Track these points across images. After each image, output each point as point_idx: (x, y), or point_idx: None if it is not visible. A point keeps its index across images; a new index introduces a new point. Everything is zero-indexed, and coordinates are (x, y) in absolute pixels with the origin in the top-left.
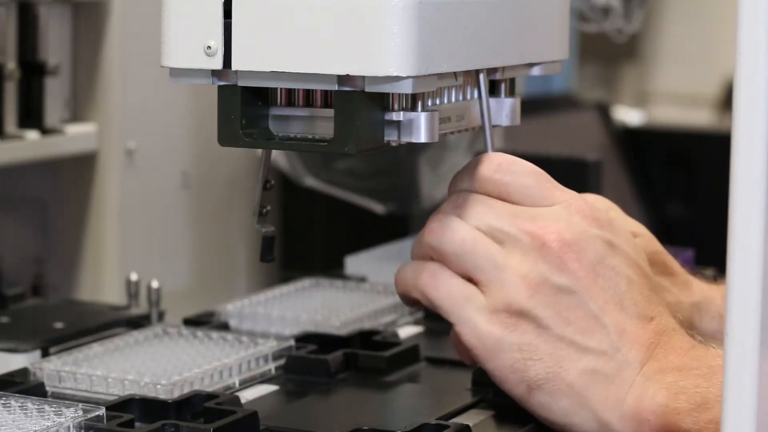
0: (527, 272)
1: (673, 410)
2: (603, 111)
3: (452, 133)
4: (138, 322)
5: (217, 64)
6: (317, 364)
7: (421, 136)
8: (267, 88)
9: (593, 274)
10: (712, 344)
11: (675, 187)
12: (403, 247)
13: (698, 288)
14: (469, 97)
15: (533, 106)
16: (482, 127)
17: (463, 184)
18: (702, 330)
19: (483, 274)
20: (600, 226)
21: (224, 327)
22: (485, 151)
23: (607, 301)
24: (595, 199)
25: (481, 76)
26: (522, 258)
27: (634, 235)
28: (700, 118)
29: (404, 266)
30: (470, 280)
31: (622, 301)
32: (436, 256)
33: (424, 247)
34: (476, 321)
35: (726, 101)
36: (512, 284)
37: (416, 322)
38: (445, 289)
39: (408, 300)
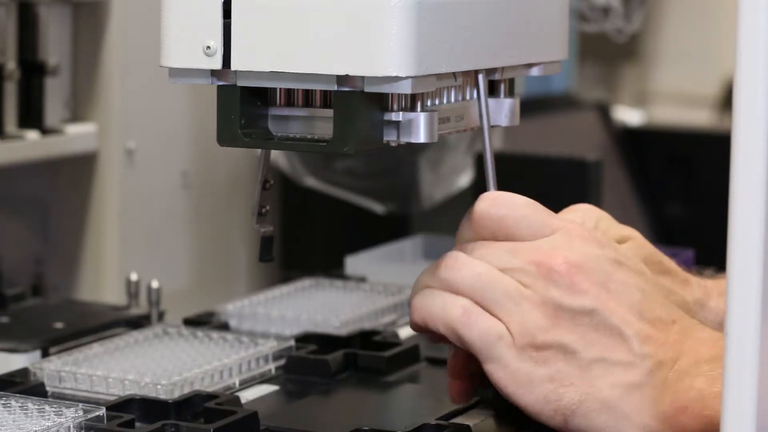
0: (542, 301)
1: (710, 394)
2: (603, 111)
3: (452, 133)
4: (138, 322)
5: (217, 64)
6: (317, 364)
7: (421, 137)
8: (266, 88)
9: (605, 290)
10: None
11: (675, 187)
12: (403, 247)
13: (696, 284)
14: (468, 97)
15: (533, 106)
16: (481, 128)
17: (465, 234)
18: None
19: (502, 309)
20: (602, 246)
21: (224, 327)
22: (485, 151)
23: (625, 314)
24: (586, 209)
25: (480, 77)
26: (534, 288)
27: (626, 239)
28: (700, 118)
29: (425, 295)
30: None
31: (640, 311)
32: (451, 292)
33: (439, 281)
34: (507, 359)
35: (726, 101)
36: (531, 317)
37: None
38: (478, 328)
39: (424, 329)
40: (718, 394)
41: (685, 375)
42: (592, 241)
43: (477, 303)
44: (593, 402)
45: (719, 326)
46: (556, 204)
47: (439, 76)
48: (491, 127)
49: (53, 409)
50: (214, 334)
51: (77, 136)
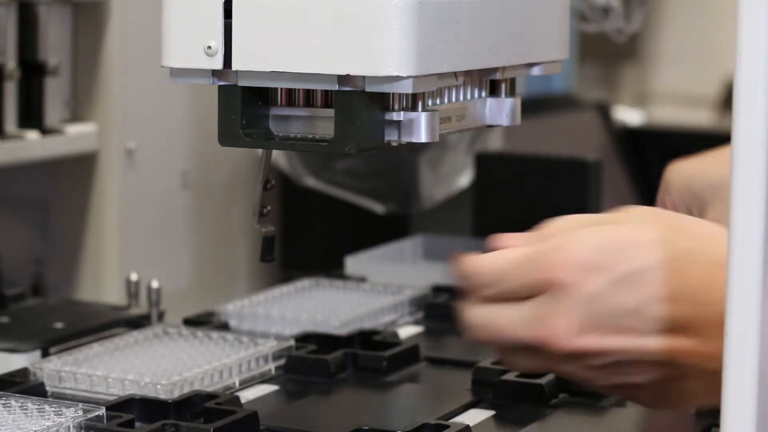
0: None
1: None
2: (603, 111)
3: (452, 133)
4: (138, 322)
5: (218, 64)
6: (317, 364)
7: (422, 136)
8: (267, 88)
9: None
10: None
11: None
12: (403, 247)
13: None
14: (469, 97)
15: (533, 106)
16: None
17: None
18: None
19: None
20: (595, 283)
21: (224, 327)
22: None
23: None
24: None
25: None
26: None
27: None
28: (700, 118)
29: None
30: None
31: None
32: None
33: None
34: None
35: (726, 101)
36: None
37: (416, 322)
38: None
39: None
40: None
41: None
42: (581, 286)
43: None
44: None
45: None
46: (556, 204)
47: (440, 76)
48: (492, 126)
49: (53, 409)
50: (214, 334)
51: (77, 136)
